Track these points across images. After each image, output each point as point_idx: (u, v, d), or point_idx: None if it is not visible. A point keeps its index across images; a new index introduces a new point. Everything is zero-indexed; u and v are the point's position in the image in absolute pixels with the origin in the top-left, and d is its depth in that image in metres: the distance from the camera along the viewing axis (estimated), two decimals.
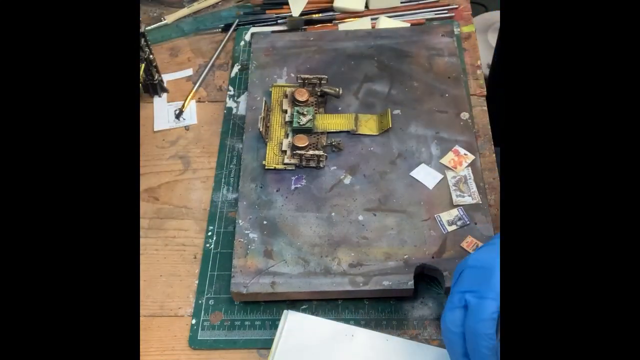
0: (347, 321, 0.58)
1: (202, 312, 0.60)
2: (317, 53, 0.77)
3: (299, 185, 0.66)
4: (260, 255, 0.61)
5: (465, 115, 0.69)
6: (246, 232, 0.62)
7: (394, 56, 0.76)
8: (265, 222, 0.63)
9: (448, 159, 0.66)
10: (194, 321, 0.60)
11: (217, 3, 0.90)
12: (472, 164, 0.65)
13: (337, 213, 0.63)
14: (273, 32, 0.83)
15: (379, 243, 0.61)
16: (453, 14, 0.84)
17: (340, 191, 0.65)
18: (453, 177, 0.65)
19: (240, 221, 0.63)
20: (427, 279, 0.60)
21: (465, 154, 0.66)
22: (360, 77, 0.74)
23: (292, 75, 0.75)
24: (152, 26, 0.87)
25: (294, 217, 0.63)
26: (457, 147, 0.66)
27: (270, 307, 0.60)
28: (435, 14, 0.84)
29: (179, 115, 0.77)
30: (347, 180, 0.66)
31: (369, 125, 0.69)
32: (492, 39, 1.49)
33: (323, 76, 0.71)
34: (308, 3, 0.86)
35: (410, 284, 0.58)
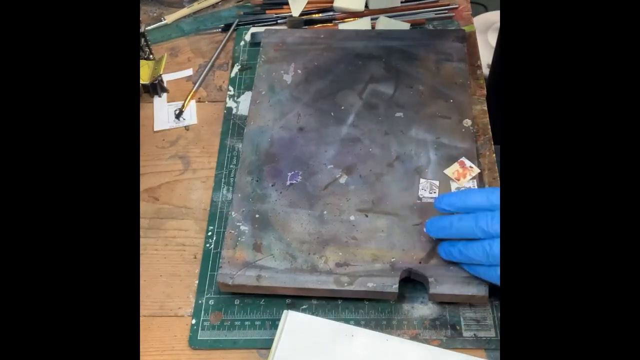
0: (347, 321, 0.58)
1: (202, 312, 0.60)
2: (325, 51, 0.77)
3: (294, 181, 0.66)
4: (249, 248, 0.61)
5: (467, 122, 0.69)
6: (238, 224, 0.63)
7: (402, 58, 0.75)
8: (257, 216, 0.63)
9: (452, 170, 0.65)
10: (194, 321, 0.60)
11: (217, 3, 0.90)
12: (476, 177, 0.65)
13: (329, 212, 0.63)
14: None
15: (368, 244, 0.61)
16: (453, 14, 0.84)
17: (334, 190, 0.65)
18: (457, 188, 0.64)
19: (233, 213, 0.64)
20: (414, 284, 0.60)
21: (470, 167, 0.65)
22: (366, 78, 0.74)
23: (299, 71, 0.75)
24: (152, 26, 0.87)
25: (286, 213, 0.64)
26: (463, 159, 0.66)
27: (270, 307, 0.60)
28: (435, 14, 0.84)
29: (179, 115, 0.77)
30: (343, 179, 0.66)
31: None
32: (492, 39, 1.49)
33: None
34: (308, 3, 0.86)
35: (395, 287, 0.58)
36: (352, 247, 0.61)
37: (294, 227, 0.63)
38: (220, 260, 0.60)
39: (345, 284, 0.58)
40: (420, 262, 0.59)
